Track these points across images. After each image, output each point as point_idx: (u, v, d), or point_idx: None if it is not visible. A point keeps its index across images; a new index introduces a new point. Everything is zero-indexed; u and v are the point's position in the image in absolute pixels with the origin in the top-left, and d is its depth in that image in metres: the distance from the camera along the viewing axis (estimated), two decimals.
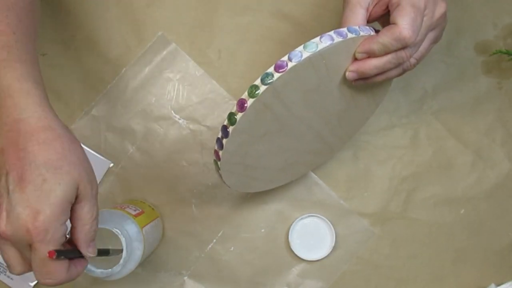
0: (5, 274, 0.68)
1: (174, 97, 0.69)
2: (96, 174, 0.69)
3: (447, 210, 0.69)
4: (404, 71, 0.51)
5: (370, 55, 0.48)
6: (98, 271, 0.55)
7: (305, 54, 0.45)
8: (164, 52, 0.69)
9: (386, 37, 0.46)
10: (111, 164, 0.69)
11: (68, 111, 0.69)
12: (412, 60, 0.50)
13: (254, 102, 0.46)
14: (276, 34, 0.69)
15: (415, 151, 0.69)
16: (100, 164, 0.69)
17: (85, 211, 0.45)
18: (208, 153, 0.69)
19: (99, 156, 0.69)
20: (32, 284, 0.68)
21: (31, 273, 0.67)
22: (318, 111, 0.53)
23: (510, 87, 0.69)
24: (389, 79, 0.51)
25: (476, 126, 0.69)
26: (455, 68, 0.69)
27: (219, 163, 0.52)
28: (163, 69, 0.69)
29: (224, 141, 0.49)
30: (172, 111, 0.69)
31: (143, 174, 0.69)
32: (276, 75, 0.45)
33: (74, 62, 0.69)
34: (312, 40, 0.46)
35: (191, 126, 0.69)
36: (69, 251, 0.45)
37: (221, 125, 0.49)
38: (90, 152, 0.69)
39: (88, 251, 0.46)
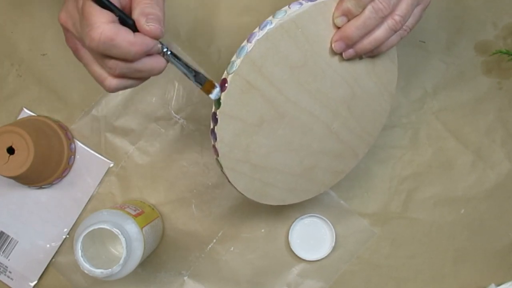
0: (5, 274, 0.68)
1: (174, 97, 0.69)
2: (96, 174, 0.70)
3: (447, 210, 0.69)
4: (394, 32, 0.49)
5: (348, 15, 0.47)
6: (98, 271, 0.55)
7: (275, 21, 0.45)
8: None
9: None
10: (111, 164, 0.69)
11: (68, 111, 0.69)
12: (397, 17, 0.48)
13: (233, 77, 0.45)
14: None
15: (415, 151, 0.69)
16: (100, 164, 0.69)
17: None
18: (208, 153, 0.69)
19: (99, 156, 0.69)
20: (32, 284, 0.68)
21: (31, 272, 0.68)
22: (317, 96, 0.50)
23: (510, 87, 0.69)
24: (380, 44, 0.49)
25: (476, 126, 0.69)
26: (455, 68, 0.69)
27: (218, 158, 0.49)
28: None
29: (216, 128, 0.47)
30: (172, 111, 0.69)
31: (143, 174, 0.69)
32: (250, 45, 0.45)
33: (74, 62, 0.69)
34: (282, 8, 0.46)
35: (191, 126, 0.69)
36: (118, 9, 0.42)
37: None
38: (90, 152, 0.69)
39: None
